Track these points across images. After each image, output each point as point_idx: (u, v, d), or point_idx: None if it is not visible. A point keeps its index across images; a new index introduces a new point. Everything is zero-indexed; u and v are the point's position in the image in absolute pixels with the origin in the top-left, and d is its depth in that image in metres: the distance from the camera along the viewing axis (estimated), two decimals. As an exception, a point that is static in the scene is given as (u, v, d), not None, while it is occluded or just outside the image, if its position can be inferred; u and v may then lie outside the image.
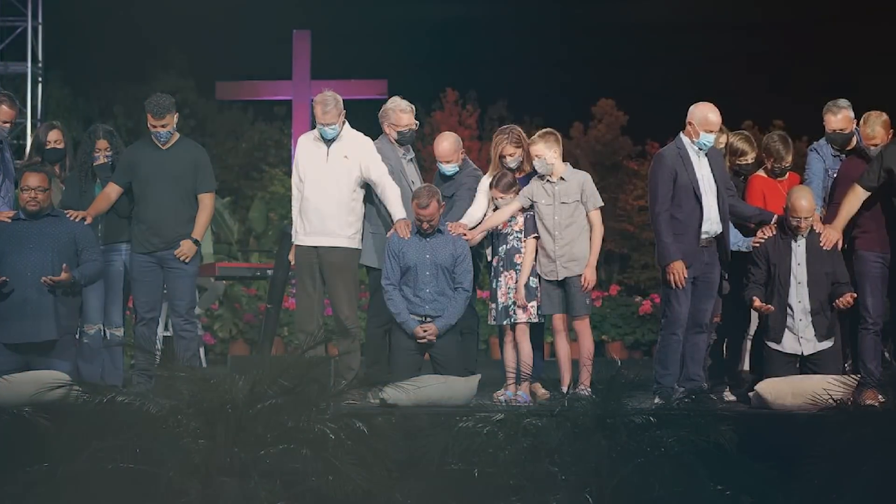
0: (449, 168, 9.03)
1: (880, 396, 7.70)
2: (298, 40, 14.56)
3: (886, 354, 8.75)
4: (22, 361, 8.38)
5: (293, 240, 9.01)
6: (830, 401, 7.16)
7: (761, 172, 8.86)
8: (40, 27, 14.46)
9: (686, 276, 8.19)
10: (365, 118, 9.40)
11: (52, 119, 12.93)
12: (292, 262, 9.12)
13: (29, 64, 14.40)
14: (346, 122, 8.90)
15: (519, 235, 8.68)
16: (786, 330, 8.34)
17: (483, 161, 10.99)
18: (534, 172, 8.72)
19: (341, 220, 8.79)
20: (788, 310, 8.34)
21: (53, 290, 8.49)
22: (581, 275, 8.52)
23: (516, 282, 8.62)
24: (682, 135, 8.35)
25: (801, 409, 7.58)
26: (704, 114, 8.27)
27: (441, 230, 8.62)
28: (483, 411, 7.22)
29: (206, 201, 8.96)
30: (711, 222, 8.29)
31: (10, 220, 8.63)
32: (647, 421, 6.87)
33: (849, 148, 8.82)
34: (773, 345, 8.37)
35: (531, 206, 8.66)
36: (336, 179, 8.78)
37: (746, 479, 6.72)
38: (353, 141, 8.86)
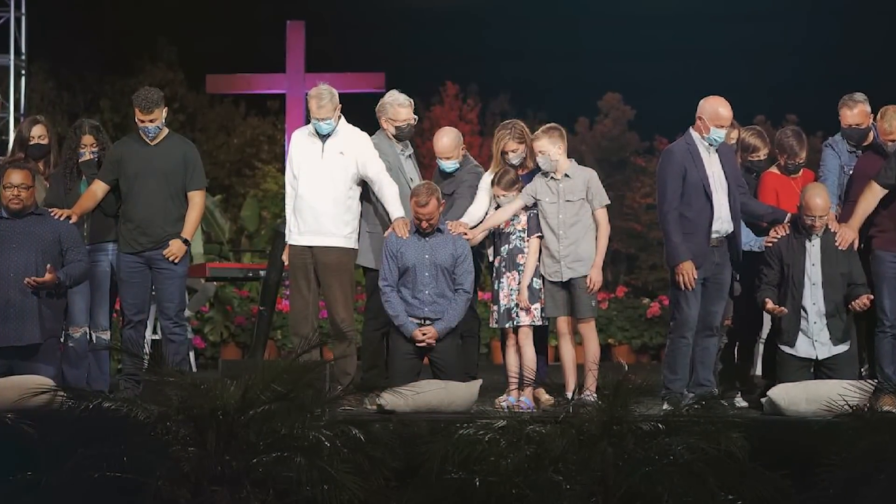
0: (449, 165, 9.03)
1: (898, 402, 7.71)
2: (292, 31, 14.57)
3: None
4: (5, 366, 8.37)
5: (287, 239, 9.01)
6: (846, 407, 7.15)
7: (774, 169, 8.87)
8: (24, 18, 14.47)
9: (696, 277, 8.20)
10: (362, 112, 9.41)
11: (35, 113, 12.95)
12: (286, 263, 9.11)
13: (12, 56, 14.41)
14: (342, 117, 8.90)
15: (522, 235, 8.68)
16: (800, 333, 8.35)
17: (484, 157, 10.99)
18: (537, 169, 8.73)
19: (337, 219, 8.79)
20: (802, 312, 8.34)
21: (37, 291, 8.48)
22: (586, 276, 8.52)
23: (519, 283, 8.62)
24: (691, 130, 8.35)
25: (816, 416, 7.58)
26: (715, 108, 8.27)
27: (441, 229, 8.62)
28: (484, 418, 7.22)
29: (197, 199, 8.96)
30: (722, 221, 8.30)
31: (-8, 219, 8.63)
32: (656, 428, 6.87)
33: (865, 144, 8.82)
34: (786, 348, 8.38)
35: (534, 205, 8.66)
36: (331, 176, 8.78)
37: (759, 489, 6.72)
38: (350, 136, 8.87)
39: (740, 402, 8.68)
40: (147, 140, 8.92)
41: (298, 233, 8.87)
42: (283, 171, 12.72)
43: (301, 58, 14.48)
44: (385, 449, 6.87)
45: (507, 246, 8.72)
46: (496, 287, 8.74)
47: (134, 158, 8.89)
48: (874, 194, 8.43)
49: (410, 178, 9.02)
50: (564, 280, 8.57)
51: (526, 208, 8.68)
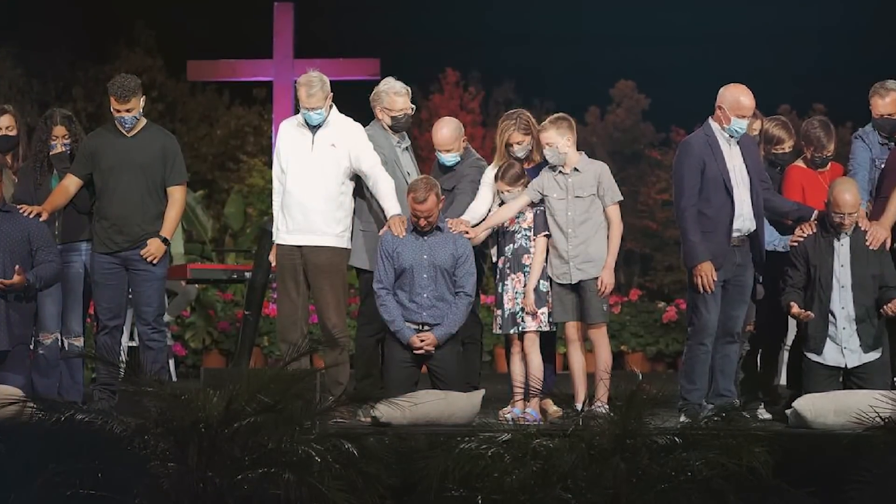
0: (449, 158, 9.04)
1: (933, 414, 7.71)
2: (280, 14, 14.59)
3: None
4: (-30, 375, 8.38)
5: (274, 238, 9.02)
6: (877, 419, 7.17)
7: (800, 163, 8.88)
8: (-10, 0, 14.49)
9: (715, 279, 8.20)
10: (355, 102, 9.42)
11: (3, 102, 12.95)
12: (273, 264, 9.12)
13: (-23, 41, 14.42)
14: (334, 107, 8.91)
15: (528, 233, 8.69)
16: (827, 339, 8.35)
17: (487, 150, 11.01)
18: (544, 163, 8.73)
19: (328, 217, 8.80)
20: (830, 317, 8.34)
21: (5, 294, 8.49)
22: (597, 277, 8.52)
23: (525, 286, 8.62)
24: (711, 120, 8.35)
25: (845, 429, 7.58)
26: (736, 97, 8.27)
27: (440, 228, 8.62)
28: (487, 431, 7.23)
29: (177, 195, 8.96)
30: (744, 219, 8.30)
31: (-44, 217, 8.64)
32: (672, 442, 6.88)
33: (898, 135, 8.84)
34: (813, 356, 8.38)
35: (541, 201, 8.66)
36: (322, 170, 8.79)
37: (783, 507, 6.74)
38: (342, 127, 8.87)
39: (763, 413, 8.69)
40: (123, 131, 8.92)
41: (287, 231, 8.88)
42: (269, 164, 12.74)
43: (290, 42, 14.49)
44: (380, 464, 6.88)
45: (511, 245, 8.72)
46: (500, 290, 8.74)
47: (109, 151, 8.90)
48: (908, 190, 8.45)
49: (407, 173, 9.02)
50: (574, 282, 8.57)
51: (532, 205, 8.68)
